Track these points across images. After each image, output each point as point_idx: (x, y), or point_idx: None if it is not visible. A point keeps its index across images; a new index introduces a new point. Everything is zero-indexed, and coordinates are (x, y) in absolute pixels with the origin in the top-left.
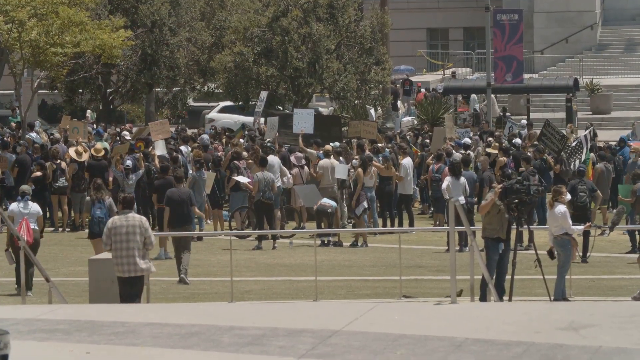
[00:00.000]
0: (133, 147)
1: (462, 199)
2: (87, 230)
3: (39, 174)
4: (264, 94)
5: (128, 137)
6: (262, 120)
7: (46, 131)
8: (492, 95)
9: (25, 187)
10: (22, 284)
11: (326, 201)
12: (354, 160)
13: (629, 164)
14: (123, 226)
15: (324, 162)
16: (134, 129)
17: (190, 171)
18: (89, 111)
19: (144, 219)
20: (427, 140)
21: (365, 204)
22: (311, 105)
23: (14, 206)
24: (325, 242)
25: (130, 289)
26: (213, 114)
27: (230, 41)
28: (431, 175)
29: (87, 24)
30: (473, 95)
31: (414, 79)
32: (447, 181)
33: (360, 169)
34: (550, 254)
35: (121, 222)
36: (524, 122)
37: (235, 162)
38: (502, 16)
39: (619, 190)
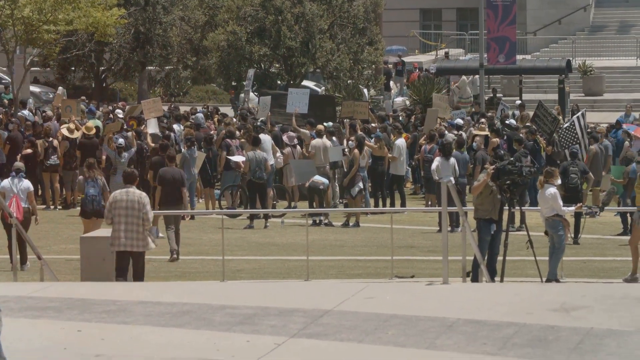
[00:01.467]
0: (125, 125)
1: (451, 179)
2: (78, 208)
3: (29, 151)
4: (251, 72)
5: (120, 116)
6: (254, 98)
7: (38, 109)
8: (465, 77)
9: (19, 164)
10: (13, 261)
11: (318, 178)
12: (350, 142)
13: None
14: (123, 200)
15: (316, 141)
16: (127, 107)
17: (183, 149)
18: (60, 88)
19: (143, 194)
20: (418, 121)
21: (360, 184)
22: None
23: (5, 182)
24: (317, 221)
25: (134, 267)
26: None
27: (223, 20)
28: (423, 156)
29: (80, 1)
30: (463, 77)
31: (406, 59)
32: (436, 162)
33: (356, 150)
34: (547, 233)
35: (121, 197)
36: (519, 102)
37: (227, 140)
38: None
39: (612, 172)
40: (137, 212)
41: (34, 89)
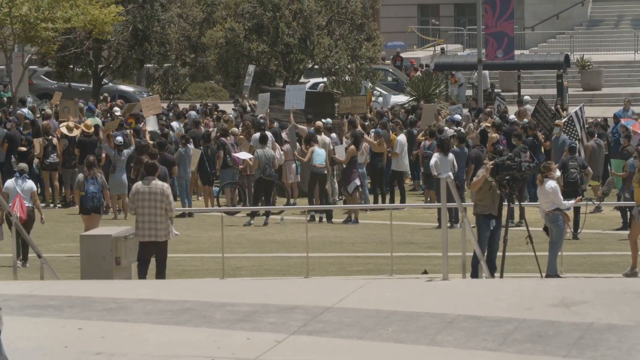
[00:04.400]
0: (124, 123)
1: (450, 175)
2: (77, 206)
3: (23, 149)
4: (251, 68)
5: (118, 113)
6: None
7: (37, 107)
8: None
9: (23, 165)
10: (14, 260)
11: (321, 162)
12: (346, 140)
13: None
14: (145, 192)
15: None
16: (125, 105)
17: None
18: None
19: (166, 185)
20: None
21: (357, 181)
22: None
23: (9, 183)
24: (319, 218)
25: (157, 256)
26: None
27: (221, 17)
28: (423, 152)
29: None
30: (459, 73)
31: (404, 55)
32: (435, 157)
33: (352, 146)
34: (547, 230)
35: (144, 189)
36: (528, 97)
37: (222, 138)
38: None
39: (612, 165)
40: (160, 202)
41: (127, 88)
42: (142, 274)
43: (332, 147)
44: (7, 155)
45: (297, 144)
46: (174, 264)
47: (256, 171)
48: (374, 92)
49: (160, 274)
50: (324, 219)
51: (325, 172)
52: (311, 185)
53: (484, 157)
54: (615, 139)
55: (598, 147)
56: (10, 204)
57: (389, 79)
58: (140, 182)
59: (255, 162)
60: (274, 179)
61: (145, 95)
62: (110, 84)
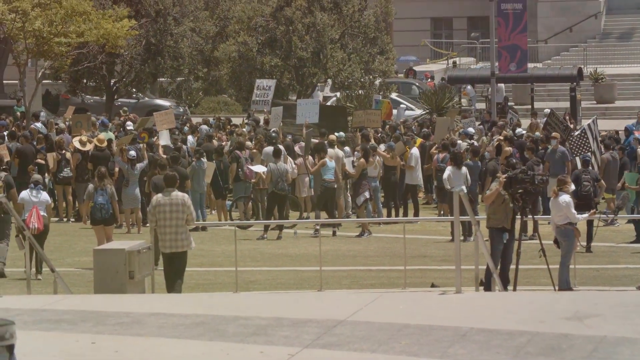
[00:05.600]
0: (137, 137)
1: (463, 189)
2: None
3: (41, 161)
4: (271, 82)
5: (130, 128)
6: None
7: (51, 121)
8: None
9: (37, 177)
10: (27, 275)
11: (330, 177)
12: (356, 153)
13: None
14: (166, 204)
15: (328, 152)
16: (138, 119)
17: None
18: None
19: (186, 196)
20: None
21: (366, 194)
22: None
23: (24, 194)
24: (313, 232)
25: (177, 265)
26: None
27: (234, 31)
28: (436, 165)
29: (90, 13)
30: (469, 87)
31: (418, 68)
32: (448, 171)
33: (362, 159)
34: (557, 243)
35: (164, 201)
36: (548, 110)
37: (236, 152)
38: (506, 5)
39: (626, 178)
40: (180, 214)
41: (163, 102)
42: (170, 284)
43: (344, 161)
44: (20, 170)
45: (311, 157)
46: (188, 277)
47: (269, 185)
48: (401, 104)
49: (177, 284)
50: (337, 232)
51: (335, 186)
52: (320, 200)
53: (499, 169)
54: (628, 152)
55: (613, 160)
56: (26, 215)
57: (417, 91)
58: (160, 194)
59: (267, 175)
60: (286, 193)
61: (181, 110)
62: (146, 98)
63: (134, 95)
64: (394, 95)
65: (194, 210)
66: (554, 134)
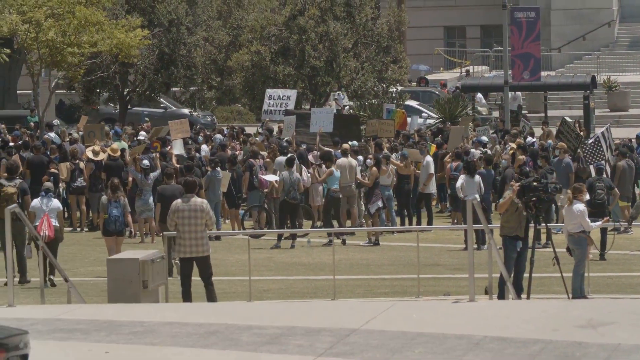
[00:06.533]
0: (149, 147)
1: (476, 197)
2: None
3: (55, 170)
4: (293, 92)
5: (141, 137)
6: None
7: (64, 132)
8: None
9: (48, 184)
10: (41, 284)
11: (336, 186)
12: (368, 160)
13: None
14: (186, 210)
15: (341, 160)
16: (152, 129)
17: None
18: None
19: (205, 201)
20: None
21: (379, 202)
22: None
23: (35, 202)
24: (327, 241)
25: (203, 271)
26: None
27: (247, 40)
28: (449, 174)
29: (104, 23)
30: (479, 95)
31: (431, 77)
32: (461, 179)
33: (374, 168)
34: (570, 251)
35: (183, 206)
36: (567, 119)
37: (250, 160)
38: (519, 14)
39: None
40: (200, 220)
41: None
42: (186, 289)
43: (358, 170)
44: (32, 180)
45: (324, 166)
46: (201, 286)
47: (281, 193)
48: (422, 112)
49: (211, 293)
50: (346, 241)
51: (340, 195)
52: (326, 210)
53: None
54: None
55: (629, 168)
56: (37, 223)
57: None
58: (179, 200)
59: (280, 184)
60: (298, 202)
61: (209, 119)
62: (173, 107)
63: (162, 105)
64: (415, 104)
65: (213, 215)
66: (559, 143)
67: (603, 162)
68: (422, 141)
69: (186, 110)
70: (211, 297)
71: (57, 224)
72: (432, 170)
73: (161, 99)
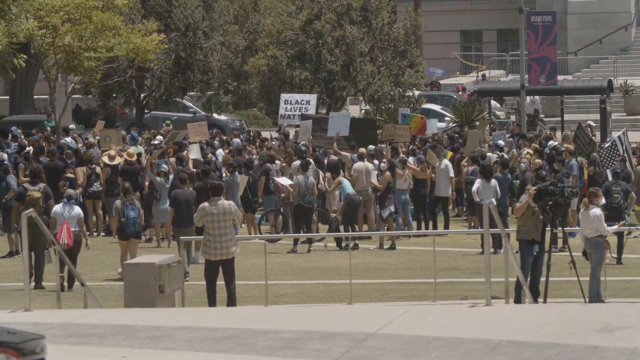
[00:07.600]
0: (165, 151)
1: (493, 201)
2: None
3: (71, 175)
4: (313, 97)
5: (157, 142)
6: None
7: (80, 136)
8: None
9: (71, 191)
10: (57, 289)
11: (353, 191)
12: (382, 164)
13: None
14: (214, 213)
15: (358, 165)
16: (169, 134)
17: (224, 175)
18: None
19: (232, 203)
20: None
21: (391, 207)
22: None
23: (57, 208)
24: (343, 245)
25: (227, 273)
26: None
27: (264, 44)
28: (466, 178)
29: (120, 28)
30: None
31: (447, 81)
32: (477, 183)
33: (388, 172)
34: (586, 255)
35: (211, 210)
36: (591, 122)
37: (267, 164)
38: (535, 18)
39: None
40: (228, 222)
41: (220, 117)
42: (211, 293)
43: (374, 174)
44: (48, 185)
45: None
46: (217, 291)
47: (296, 197)
48: (445, 117)
49: (232, 299)
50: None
51: (360, 199)
52: (346, 215)
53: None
54: None
55: None
56: (58, 230)
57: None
58: (206, 203)
59: (295, 188)
60: (312, 206)
61: (237, 124)
62: (202, 112)
63: (191, 110)
64: (438, 108)
65: (240, 212)
66: (565, 146)
67: (619, 165)
68: (439, 145)
69: (215, 115)
70: (231, 302)
71: (77, 230)
72: (452, 174)
73: (189, 103)
